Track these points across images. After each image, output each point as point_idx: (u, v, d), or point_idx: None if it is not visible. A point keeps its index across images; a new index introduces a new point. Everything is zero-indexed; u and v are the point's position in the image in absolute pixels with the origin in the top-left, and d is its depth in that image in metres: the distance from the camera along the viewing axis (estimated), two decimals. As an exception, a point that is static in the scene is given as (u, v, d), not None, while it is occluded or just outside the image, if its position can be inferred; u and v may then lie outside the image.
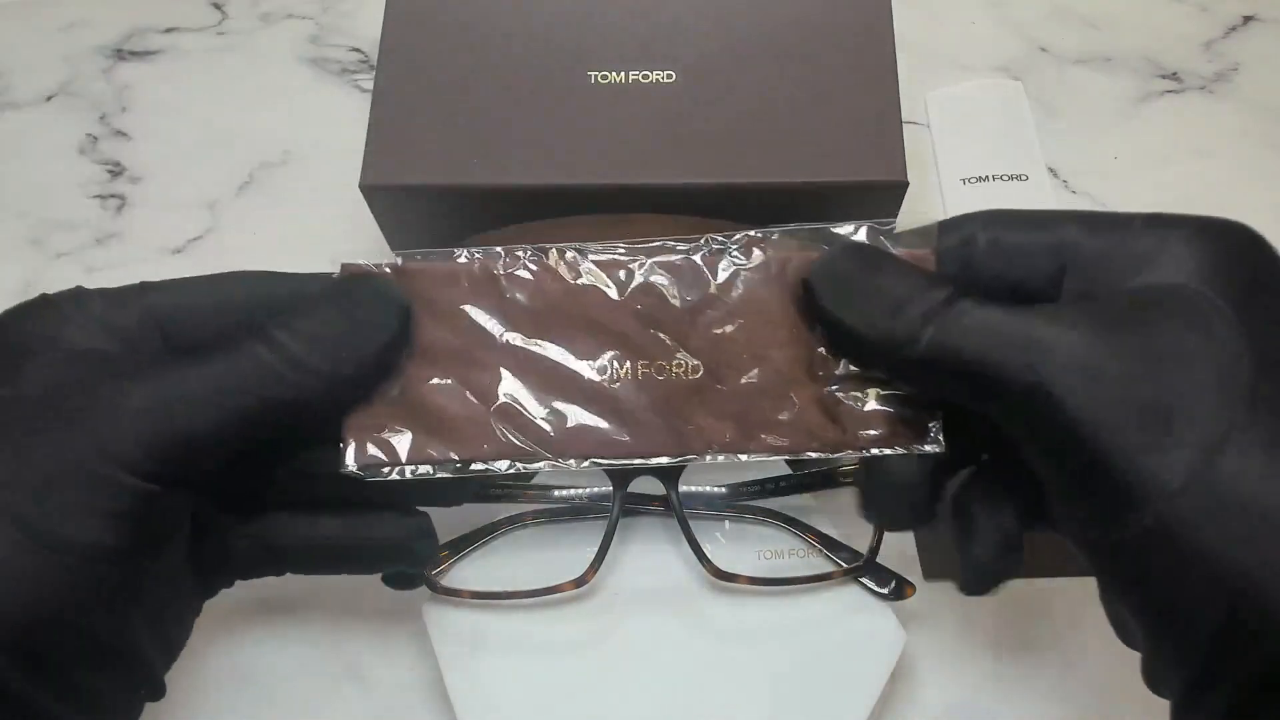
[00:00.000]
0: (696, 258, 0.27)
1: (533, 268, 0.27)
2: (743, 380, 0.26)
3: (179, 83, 0.52)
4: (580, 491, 0.33)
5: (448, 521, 0.33)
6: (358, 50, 0.53)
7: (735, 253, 0.27)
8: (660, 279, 0.27)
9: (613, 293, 0.27)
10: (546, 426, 0.26)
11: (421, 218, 0.40)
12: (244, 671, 0.35)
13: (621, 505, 0.31)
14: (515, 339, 0.26)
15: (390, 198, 0.39)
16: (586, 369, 0.26)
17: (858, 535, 0.32)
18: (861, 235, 0.27)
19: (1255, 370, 0.21)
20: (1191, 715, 0.22)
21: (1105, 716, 0.33)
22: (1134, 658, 0.33)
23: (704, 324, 0.27)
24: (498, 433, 0.26)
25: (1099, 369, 0.21)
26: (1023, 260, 0.25)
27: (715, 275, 0.27)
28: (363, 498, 0.27)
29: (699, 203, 0.38)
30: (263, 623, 0.36)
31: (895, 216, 0.39)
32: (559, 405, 0.26)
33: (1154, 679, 0.23)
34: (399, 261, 0.26)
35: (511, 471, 0.26)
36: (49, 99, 0.51)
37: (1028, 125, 0.48)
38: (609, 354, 0.26)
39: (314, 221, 0.46)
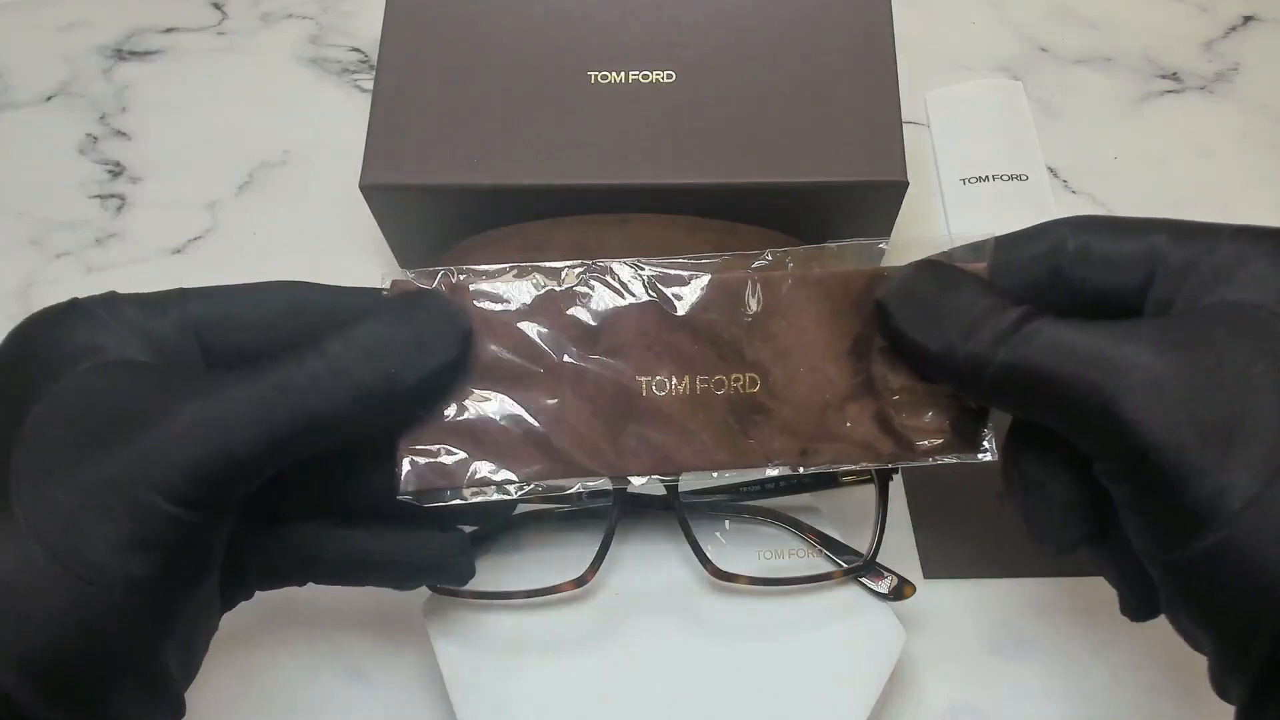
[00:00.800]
0: (754, 273, 0.27)
1: (592, 284, 0.27)
2: (800, 394, 0.27)
3: (179, 83, 0.52)
4: (580, 491, 0.33)
5: (448, 521, 0.33)
6: (358, 50, 0.53)
7: (791, 267, 0.27)
8: (717, 295, 0.27)
9: (670, 308, 0.27)
10: (605, 443, 0.26)
11: (421, 218, 0.40)
12: (244, 671, 0.35)
13: (622, 505, 0.31)
14: (573, 356, 0.26)
15: (390, 198, 0.39)
16: (645, 385, 0.26)
17: (858, 535, 0.32)
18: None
19: None
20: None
21: (1105, 716, 0.33)
22: (1134, 658, 0.33)
23: (761, 339, 0.27)
24: (557, 450, 0.26)
25: (1168, 390, 0.21)
26: (1111, 268, 0.25)
27: (772, 291, 0.27)
28: (394, 509, 0.26)
29: (699, 203, 0.38)
30: (263, 622, 0.36)
31: (895, 216, 0.39)
32: (618, 421, 0.26)
33: (1220, 686, 0.23)
34: (455, 279, 0.26)
35: (571, 492, 0.25)
36: (49, 99, 0.51)
37: (1028, 125, 0.48)
38: (667, 369, 0.26)
39: (314, 221, 0.46)
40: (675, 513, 0.31)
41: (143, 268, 0.45)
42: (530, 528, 0.33)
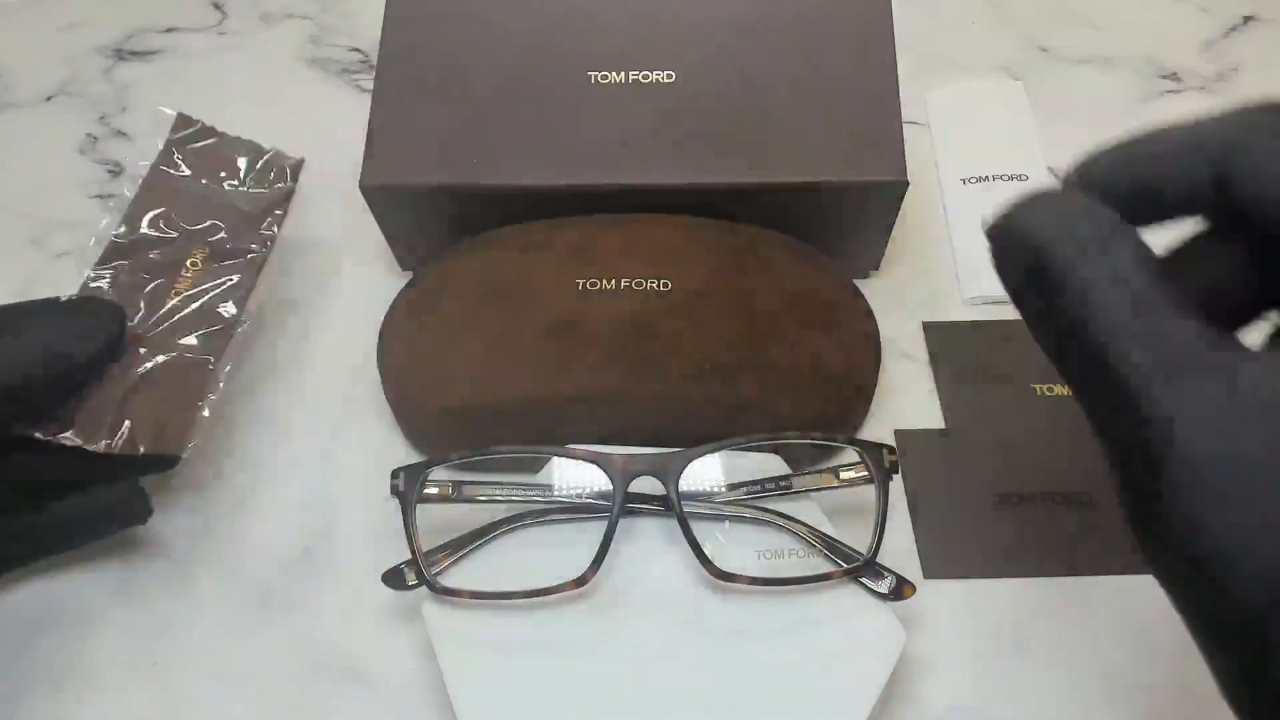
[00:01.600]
0: None
1: None
2: None
3: (179, 83, 0.52)
4: (580, 491, 0.34)
5: (448, 522, 0.33)
6: (358, 50, 0.53)
7: None
8: None
9: None
10: None
11: (421, 218, 0.40)
12: (244, 671, 0.35)
13: (622, 505, 0.31)
14: None
15: (390, 198, 0.39)
16: None
17: (858, 535, 0.32)
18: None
19: None
20: None
21: (1104, 716, 0.33)
22: (1133, 658, 0.33)
23: None
24: None
25: None
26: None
27: None
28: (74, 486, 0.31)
29: (699, 203, 0.38)
30: (263, 622, 0.36)
31: (895, 216, 0.39)
32: None
33: None
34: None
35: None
36: (49, 99, 0.51)
37: (1028, 125, 0.48)
38: None
39: (314, 221, 0.46)
40: (675, 512, 0.31)
41: (143, 268, 0.45)
42: (530, 528, 0.33)
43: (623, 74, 0.39)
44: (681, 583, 0.32)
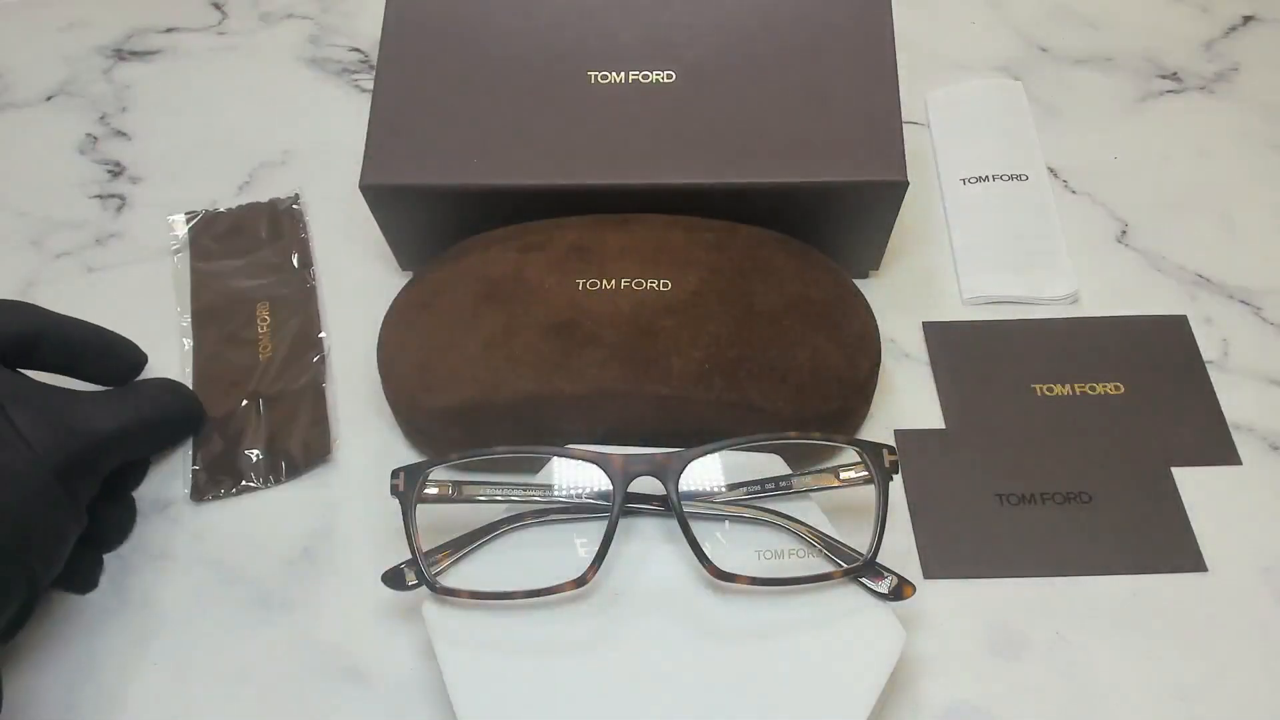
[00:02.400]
0: None
1: None
2: None
3: (179, 83, 0.52)
4: (580, 491, 0.34)
5: (448, 522, 0.33)
6: (358, 50, 0.53)
7: None
8: None
9: None
10: None
11: (421, 218, 0.40)
12: (244, 672, 0.35)
13: (621, 505, 0.31)
14: None
15: (390, 198, 0.39)
16: None
17: (858, 535, 0.32)
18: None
19: None
20: None
21: (1104, 716, 0.33)
22: (1133, 658, 0.33)
23: None
24: None
25: None
26: None
27: None
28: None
29: (699, 203, 0.38)
30: (263, 622, 0.36)
31: (895, 216, 0.39)
32: None
33: None
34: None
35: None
36: (49, 99, 0.51)
37: (1028, 125, 0.48)
38: None
39: (314, 221, 0.46)
40: (675, 512, 0.31)
41: (143, 268, 0.45)
42: (530, 528, 0.33)
43: (623, 74, 0.39)
44: (681, 583, 0.32)
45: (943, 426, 0.39)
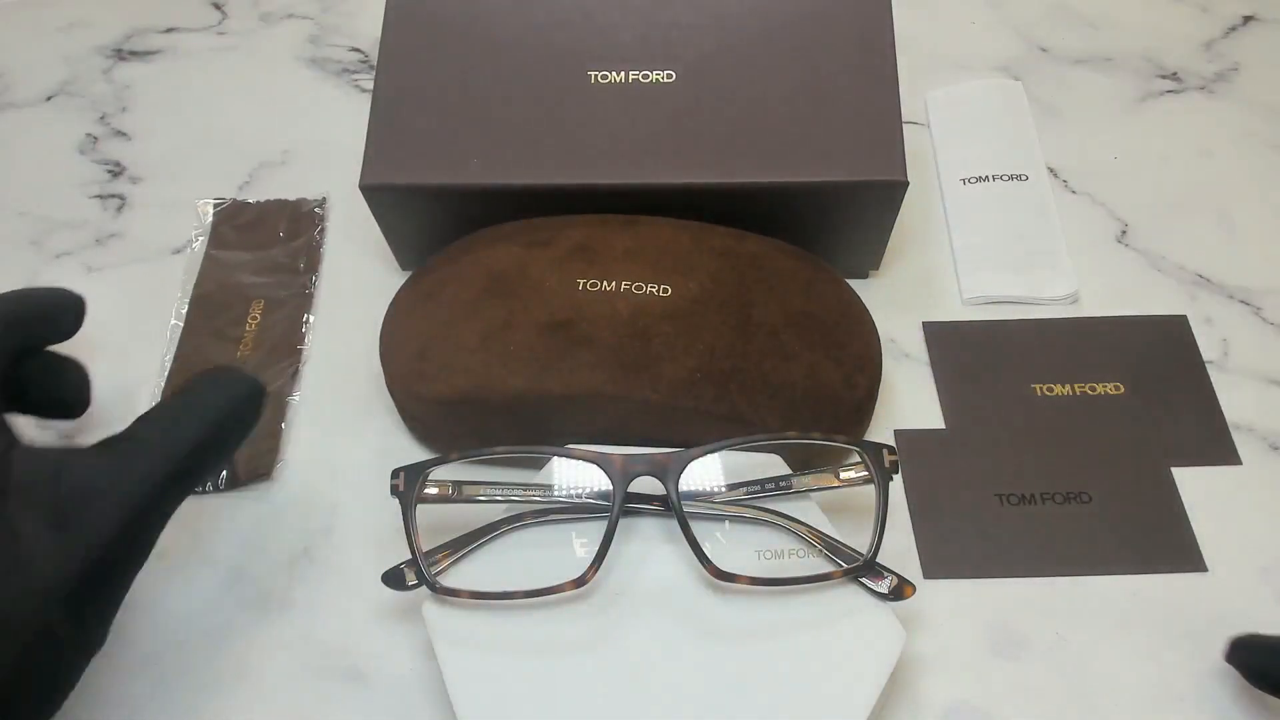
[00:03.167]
0: None
1: None
2: None
3: (179, 83, 0.52)
4: (580, 491, 0.33)
5: (448, 522, 0.33)
6: (358, 50, 0.53)
7: None
8: None
9: None
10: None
11: (421, 218, 0.40)
12: (244, 672, 0.35)
13: (621, 505, 0.31)
14: None
15: (390, 198, 0.39)
16: None
17: (858, 535, 0.32)
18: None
19: None
20: None
21: (1104, 716, 0.33)
22: (1132, 658, 0.33)
23: None
24: None
25: None
26: None
27: None
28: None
29: (699, 203, 0.38)
30: (263, 622, 0.36)
31: (895, 216, 0.39)
32: None
33: None
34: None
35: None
36: (49, 99, 0.51)
37: (1028, 125, 0.48)
38: None
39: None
40: (675, 512, 0.31)
41: (143, 268, 0.45)
42: (530, 527, 0.33)
43: (623, 74, 0.39)
44: (681, 583, 0.32)
45: (943, 426, 0.39)
